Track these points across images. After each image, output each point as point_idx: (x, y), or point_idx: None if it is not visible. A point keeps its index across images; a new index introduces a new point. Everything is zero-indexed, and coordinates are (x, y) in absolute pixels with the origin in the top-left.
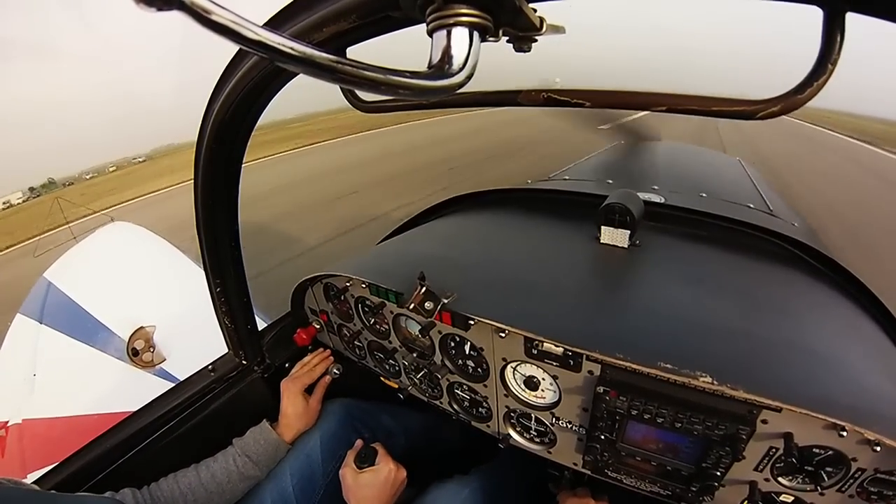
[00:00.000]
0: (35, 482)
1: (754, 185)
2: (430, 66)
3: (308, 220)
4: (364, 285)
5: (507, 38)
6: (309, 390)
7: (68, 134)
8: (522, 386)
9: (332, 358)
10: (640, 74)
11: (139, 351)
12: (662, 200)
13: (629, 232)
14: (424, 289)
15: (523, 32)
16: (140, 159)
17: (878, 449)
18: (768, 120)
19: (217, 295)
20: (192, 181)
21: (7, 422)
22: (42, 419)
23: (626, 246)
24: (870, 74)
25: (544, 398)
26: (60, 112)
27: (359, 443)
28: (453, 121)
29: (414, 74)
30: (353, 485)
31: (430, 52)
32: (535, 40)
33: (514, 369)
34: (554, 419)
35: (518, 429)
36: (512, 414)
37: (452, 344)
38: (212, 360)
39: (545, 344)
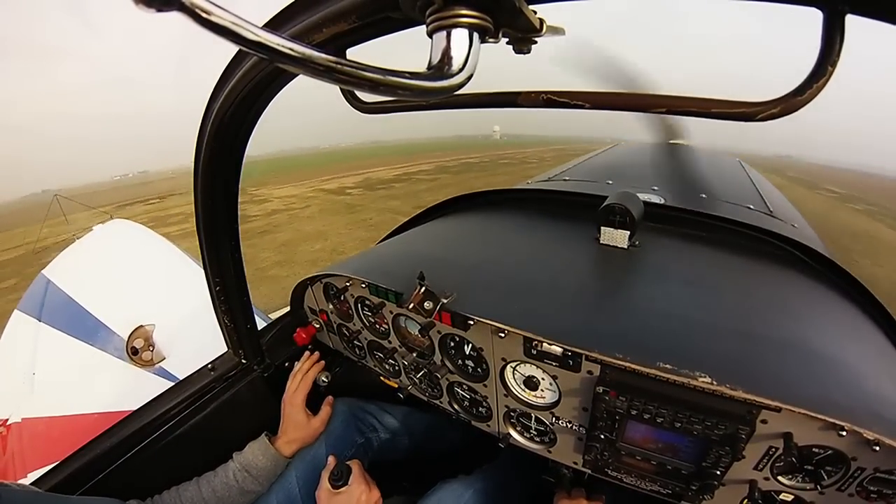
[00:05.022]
0: (35, 481)
1: (754, 186)
2: (429, 67)
3: None
4: (364, 285)
5: (506, 39)
6: (312, 401)
7: None
8: (522, 386)
9: (322, 362)
10: (639, 76)
11: (138, 349)
12: (662, 201)
13: (629, 233)
14: (424, 289)
15: (523, 34)
16: None
17: (878, 449)
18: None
19: (217, 294)
20: (192, 181)
21: (7, 420)
22: (42, 418)
23: (625, 247)
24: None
25: (544, 398)
26: None
27: (331, 461)
28: None
29: (413, 75)
30: None
31: (430, 52)
32: (535, 42)
33: (514, 369)
34: (554, 419)
35: (518, 428)
36: (512, 413)
37: (452, 344)
38: (211, 360)
39: (544, 344)
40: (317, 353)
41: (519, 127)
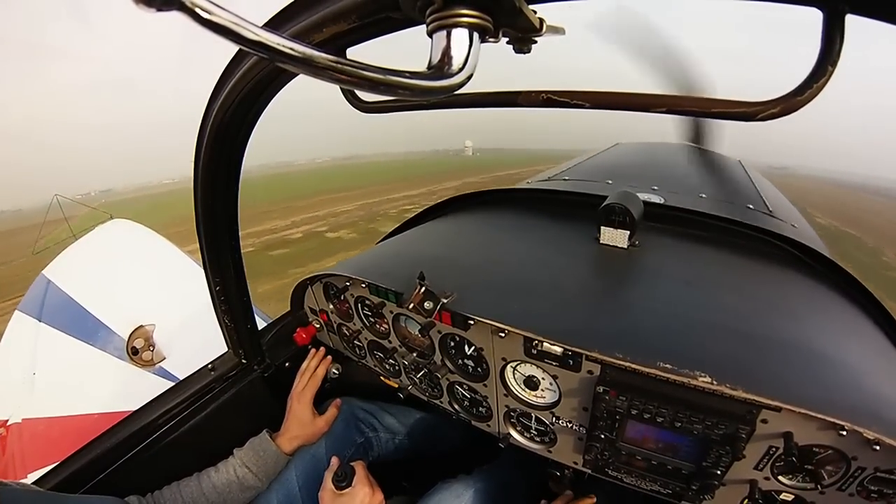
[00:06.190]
0: (35, 482)
1: (754, 186)
2: (429, 67)
3: None
4: (364, 285)
5: (506, 39)
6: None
7: None
8: (522, 386)
9: (329, 357)
10: (639, 75)
11: (139, 349)
12: (662, 201)
13: (628, 232)
14: (424, 289)
15: (523, 33)
16: None
17: (878, 448)
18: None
19: (217, 294)
20: (192, 181)
21: (7, 420)
22: (42, 418)
23: (625, 246)
24: None
25: (544, 398)
26: None
27: (334, 461)
28: None
29: (413, 75)
30: None
31: (430, 52)
32: (535, 41)
33: (514, 369)
34: (554, 418)
35: (518, 428)
36: (512, 413)
37: (452, 344)
38: (211, 360)
39: (545, 344)
40: (322, 350)
41: (498, 141)
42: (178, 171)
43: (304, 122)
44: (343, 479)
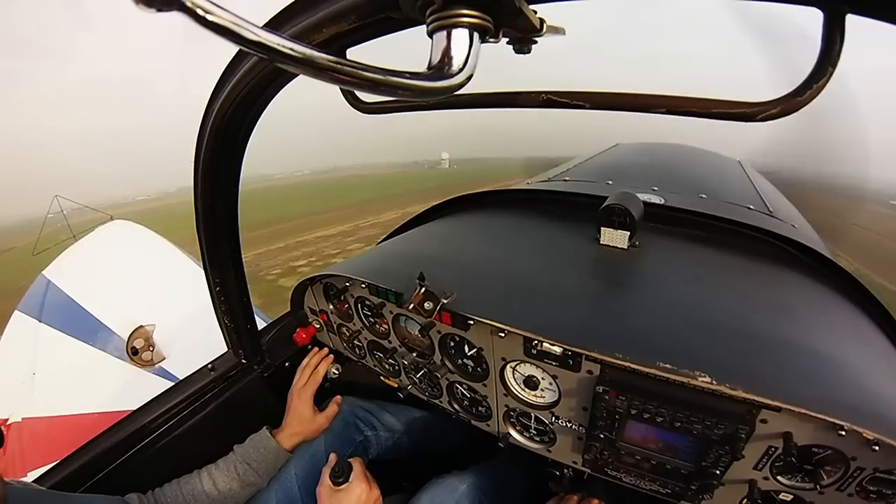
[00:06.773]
0: (35, 481)
1: (754, 187)
2: (429, 67)
3: None
4: (364, 285)
5: (507, 39)
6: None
7: None
8: (522, 385)
9: (331, 356)
10: (639, 76)
11: (139, 349)
12: (662, 201)
13: (628, 233)
14: (424, 289)
15: (523, 33)
16: None
17: (877, 448)
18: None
19: (217, 294)
20: (192, 181)
21: (7, 419)
22: (42, 417)
23: (625, 247)
24: None
25: (544, 398)
26: None
27: (332, 458)
28: None
29: (414, 75)
30: None
31: (430, 52)
32: (536, 42)
33: (514, 369)
34: (553, 418)
35: (518, 428)
36: (511, 413)
37: (452, 344)
38: (211, 360)
39: (544, 344)
40: (325, 349)
41: (483, 150)
42: (154, 187)
43: (302, 133)
44: (340, 475)
